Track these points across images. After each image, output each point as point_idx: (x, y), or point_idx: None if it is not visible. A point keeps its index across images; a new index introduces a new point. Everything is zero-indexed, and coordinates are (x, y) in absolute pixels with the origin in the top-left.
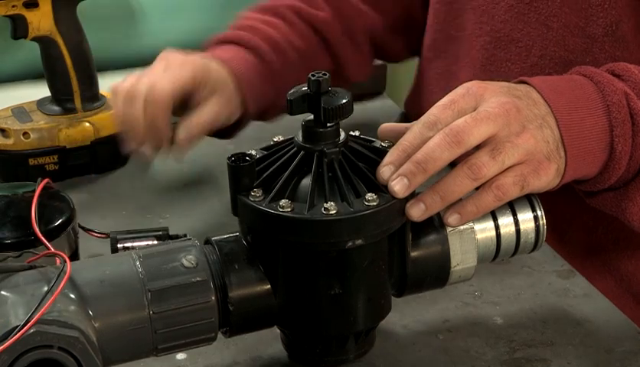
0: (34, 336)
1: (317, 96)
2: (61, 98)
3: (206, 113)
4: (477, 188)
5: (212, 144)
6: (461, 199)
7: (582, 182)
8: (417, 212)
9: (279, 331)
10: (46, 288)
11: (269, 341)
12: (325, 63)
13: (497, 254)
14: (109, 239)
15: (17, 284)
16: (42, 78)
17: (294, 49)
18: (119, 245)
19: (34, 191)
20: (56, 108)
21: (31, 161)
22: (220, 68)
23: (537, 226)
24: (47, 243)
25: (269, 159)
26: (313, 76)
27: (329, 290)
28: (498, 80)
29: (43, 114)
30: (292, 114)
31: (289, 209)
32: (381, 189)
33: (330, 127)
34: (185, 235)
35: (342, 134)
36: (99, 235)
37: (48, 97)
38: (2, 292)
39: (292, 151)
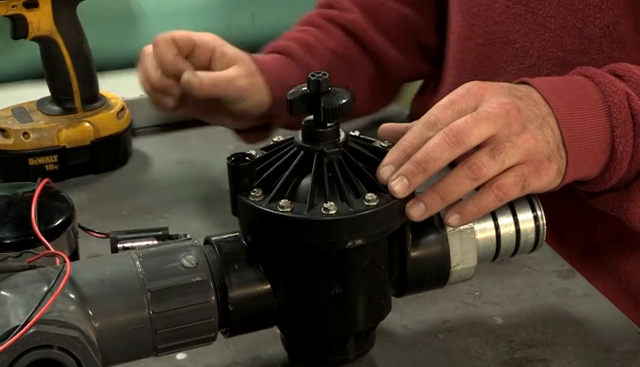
0: (34, 336)
1: (317, 96)
2: (61, 98)
3: (222, 73)
4: (477, 188)
5: (212, 144)
6: (461, 200)
7: (584, 183)
8: (417, 212)
9: (279, 331)
10: (46, 288)
11: (269, 341)
12: (364, 62)
13: (497, 254)
14: (109, 239)
15: (17, 284)
16: (42, 78)
17: (327, 49)
18: (119, 245)
19: (34, 191)
20: (56, 108)
21: (31, 161)
22: (240, 52)
23: (537, 226)
24: (47, 243)
25: (269, 159)
26: (313, 76)
27: (329, 290)
28: (498, 81)
29: (43, 114)
30: (291, 114)
31: (289, 209)
32: (381, 189)
33: (330, 127)
34: (185, 235)
35: (342, 134)
36: (99, 235)
37: (48, 97)
38: (2, 292)
39: (292, 151)
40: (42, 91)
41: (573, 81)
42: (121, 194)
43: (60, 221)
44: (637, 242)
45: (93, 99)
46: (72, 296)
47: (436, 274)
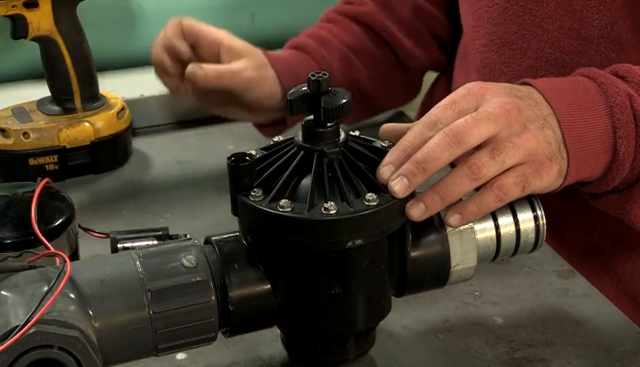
0: (34, 335)
1: (317, 96)
2: (61, 98)
3: (228, 65)
4: (477, 188)
5: (212, 144)
6: (461, 200)
7: (586, 184)
8: (417, 212)
9: (279, 331)
10: (46, 288)
11: (269, 341)
12: (382, 54)
13: (497, 254)
14: (109, 239)
15: (17, 284)
16: (42, 78)
17: (342, 42)
18: (119, 245)
19: (33, 191)
20: (56, 108)
21: (31, 161)
22: (250, 46)
23: (537, 226)
24: (47, 243)
25: (269, 159)
26: (313, 75)
27: (329, 290)
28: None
29: (43, 114)
30: (291, 114)
31: (289, 209)
32: (381, 189)
33: (330, 127)
34: (185, 235)
35: (342, 134)
36: (99, 235)
37: (48, 97)
38: (2, 292)
39: (292, 151)
40: (42, 91)
41: (575, 82)
42: (121, 194)
43: (60, 221)
44: (636, 243)
45: (93, 99)
46: (72, 296)
47: (436, 274)
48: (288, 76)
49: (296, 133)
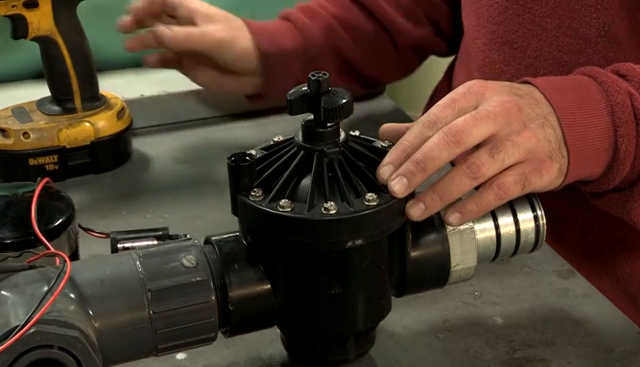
0: (34, 335)
1: (317, 96)
2: (61, 98)
3: (198, 27)
4: (477, 188)
5: (212, 144)
6: (461, 199)
7: (587, 183)
8: (417, 211)
9: (279, 331)
10: (46, 288)
11: (269, 341)
12: (370, 28)
13: (497, 254)
14: (109, 239)
15: (17, 284)
16: (42, 78)
17: (328, 13)
18: (119, 245)
19: (33, 191)
20: (56, 108)
21: (31, 161)
22: (227, 13)
23: (537, 226)
24: (47, 243)
25: (269, 159)
26: (313, 75)
27: (329, 290)
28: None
29: (43, 114)
30: (291, 114)
31: (289, 209)
32: (381, 189)
33: (330, 127)
34: (185, 235)
35: (342, 134)
36: (99, 235)
37: (48, 97)
38: (2, 292)
39: (292, 150)
40: (42, 91)
41: (576, 80)
42: (121, 194)
43: (60, 221)
44: (635, 243)
45: (93, 99)
46: (72, 296)
47: (436, 274)
48: (263, 37)
49: (296, 133)
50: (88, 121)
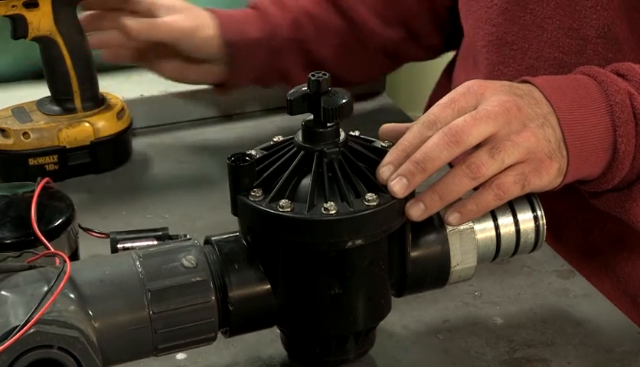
0: (34, 336)
1: (317, 96)
2: (61, 98)
3: (162, 18)
4: (477, 188)
5: (212, 144)
6: (461, 199)
7: (586, 182)
8: (417, 211)
9: (279, 331)
10: (46, 288)
11: (269, 341)
12: (338, 25)
13: (497, 254)
14: (109, 239)
15: (17, 284)
16: (42, 78)
17: (298, 6)
18: (119, 245)
19: (33, 191)
20: (56, 108)
21: (31, 161)
22: (192, 5)
23: (537, 226)
24: (47, 243)
25: (269, 159)
26: (313, 76)
27: (329, 290)
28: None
29: (43, 114)
30: (291, 114)
31: (289, 209)
32: (381, 189)
33: (330, 127)
34: (185, 235)
35: (342, 134)
36: (99, 235)
37: (48, 97)
38: (2, 292)
39: (292, 151)
40: (42, 91)
41: (576, 80)
42: (121, 194)
43: (60, 221)
44: (635, 243)
45: (93, 98)
46: (72, 296)
47: (436, 274)
48: (228, 26)
49: (296, 133)
50: (88, 121)
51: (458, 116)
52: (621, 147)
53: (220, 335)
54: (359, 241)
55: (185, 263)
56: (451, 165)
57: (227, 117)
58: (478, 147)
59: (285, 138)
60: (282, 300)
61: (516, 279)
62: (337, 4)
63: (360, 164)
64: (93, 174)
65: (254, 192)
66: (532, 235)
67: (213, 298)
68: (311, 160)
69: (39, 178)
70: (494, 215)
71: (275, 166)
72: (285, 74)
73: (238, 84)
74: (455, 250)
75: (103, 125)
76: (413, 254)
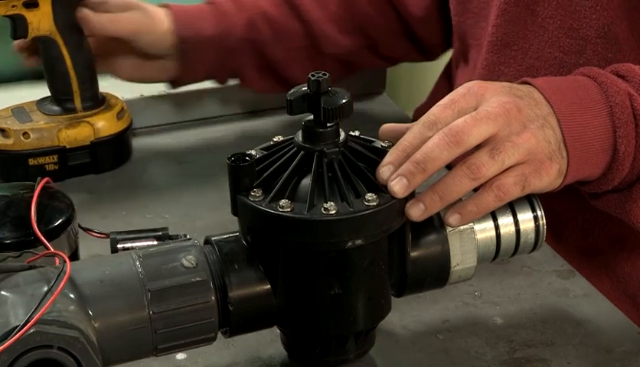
0: (34, 336)
1: (317, 96)
2: (61, 98)
3: (116, 13)
4: (477, 188)
5: (212, 144)
6: (461, 199)
7: (586, 183)
8: (417, 212)
9: (279, 331)
10: (46, 288)
11: (269, 341)
12: (296, 30)
13: (497, 254)
14: (109, 239)
15: (17, 284)
16: (42, 78)
17: (256, 7)
18: (119, 246)
19: (34, 191)
20: (56, 108)
21: (31, 161)
22: (148, 4)
23: (537, 226)
24: (47, 243)
25: (269, 159)
26: (313, 76)
27: (329, 290)
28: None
29: (43, 114)
30: (291, 114)
31: (289, 209)
32: (381, 189)
33: (330, 127)
34: (185, 235)
35: (342, 134)
36: (99, 235)
37: (48, 97)
38: (2, 292)
39: (292, 151)
40: (42, 91)
41: (576, 81)
42: (121, 194)
43: (60, 221)
44: (635, 244)
45: (93, 98)
46: (72, 296)
47: (436, 274)
48: (182, 21)
49: (296, 133)
50: (88, 121)
51: (458, 117)
52: (621, 148)
53: (220, 335)
54: (359, 241)
55: (185, 263)
56: (449, 167)
57: (227, 117)
58: (478, 148)
59: (285, 138)
60: (282, 300)
61: (516, 279)
62: (295, 8)
63: (360, 164)
64: (93, 174)
65: (254, 192)
66: (532, 235)
67: (213, 298)
68: (311, 160)
69: (39, 178)
70: (494, 215)
71: (275, 166)
72: (237, 73)
73: (191, 80)
74: (455, 250)
75: (103, 125)
76: (413, 254)
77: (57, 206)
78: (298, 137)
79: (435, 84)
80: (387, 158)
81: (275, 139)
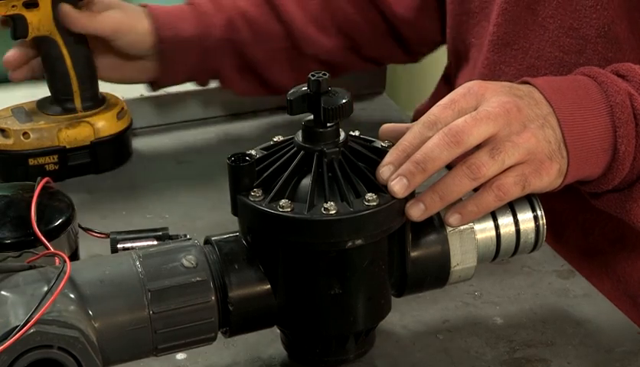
0: (34, 336)
1: (317, 96)
2: (61, 98)
3: (97, 12)
4: (477, 188)
5: (212, 144)
6: (461, 199)
7: (586, 183)
8: (417, 212)
9: (279, 331)
10: (46, 288)
11: (269, 341)
12: (276, 32)
13: (497, 254)
14: (109, 239)
15: (17, 284)
16: (42, 78)
17: (235, 7)
18: (119, 246)
19: (34, 191)
20: (56, 108)
21: (31, 161)
22: (129, 4)
23: (537, 226)
24: (47, 243)
25: (269, 159)
26: (313, 76)
27: (329, 290)
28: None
29: (43, 114)
30: (292, 114)
31: (289, 209)
32: (381, 189)
33: (330, 127)
34: (185, 235)
35: (342, 134)
36: (99, 235)
37: (48, 97)
38: (2, 292)
39: (292, 151)
40: (42, 91)
41: (576, 81)
42: (121, 194)
43: (60, 221)
44: (635, 243)
45: (93, 98)
46: (72, 296)
47: (436, 274)
48: (162, 21)
49: (296, 133)
50: (88, 122)
51: (458, 117)
52: (621, 148)
53: (220, 335)
54: (359, 241)
55: (185, 263)
56: (449, 167)
57: (227, 117)
58: (478, 148)
59: (285, 138)
60: (282, 300)
61: (516, 279)
62: (274, 8)
63: (360, 164)
64: (93, 174)
65: (254, 192)
66: (532, 235)
67: (213, 298)
68: (311, 160)
69: (39, 178)
70: (494, 215)
71: (275, 166)
72: (217, 74)
73: (170, 82)
74: (455, 250)
75: (103, 125)
76: (413, 254)
77: (57, 206)
78: (298, 137)
79: (435, 87)
80: (387, 158)
81: (275, 139)
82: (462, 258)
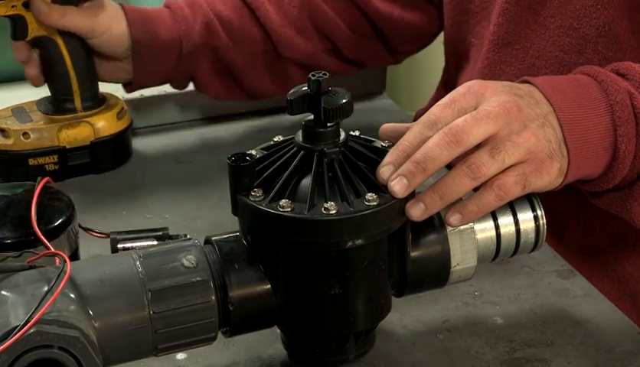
0: (34, 335)
1: (317, 96)
2: (61, 98)
3: (65, 8)
4: (477, 188)
5: (212, 144)
6: (461, 199)
7: (587, 182)
8: (417, 212)
9: (279, 331)
10: (46, 288)
11: (269, 341)
12: (255, 35)
13: (497, 254)
14: (109, 239)
15: (17, 284)
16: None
17: (213, 10)
18: (119, 245)
19: (34, 191)
20: (56, 108)
21: (31, 161)
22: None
23: (537, 226)
24: (47, 243)
25: (269, 159)
26: (313, 76)
27: (329, 290)
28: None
29: (43, 114)
30: (292, 114)
31: (289, 209)
32: (381, 189)
33: (330, 127)
34: (185, 235)
35: (342, 134)
36: (99, 235)
37: (48, 97)
38: (2, 292)
39: (292, 150)
40: (42, 91)
41: (576, 80)
42: (121, 194)
43: (60, 221)
44: (636, 243)
45: (92, 99)
46: (72, 296)
47: (436, 274)
48: (138, 23)
49: (296, 133)
50: (88, 122)
51: (458, 116)
52: (621, 147)
53: (220, 335)
54: (359, 241)
55: (185, 263)
56: (449, 167)
57: (227, 117)
58: (478, 147)
59: (286, 138)
60: (282, 300)
61: (516, 279)
62: (253, 11)
63: (361, 164)
64: (93, 174)
65: (254, 192)
66: (532, 235)
67: (213, 298)
68: (312, 160)
69: (39, 178)
70: (494, 215)
71: (276, 166)
72: (194, 78)
73: (146, 84)
74: (455, 250)
75: (103, 125)
76: (413, 254)
77: (57, 206)
78: (299, 137)
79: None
80: (387, 158)
81: (275, 139)
82: (462, 258)
